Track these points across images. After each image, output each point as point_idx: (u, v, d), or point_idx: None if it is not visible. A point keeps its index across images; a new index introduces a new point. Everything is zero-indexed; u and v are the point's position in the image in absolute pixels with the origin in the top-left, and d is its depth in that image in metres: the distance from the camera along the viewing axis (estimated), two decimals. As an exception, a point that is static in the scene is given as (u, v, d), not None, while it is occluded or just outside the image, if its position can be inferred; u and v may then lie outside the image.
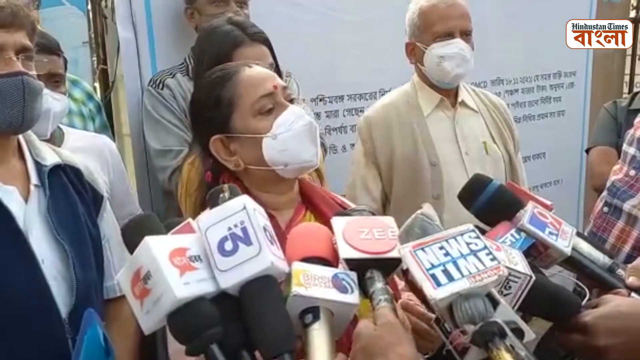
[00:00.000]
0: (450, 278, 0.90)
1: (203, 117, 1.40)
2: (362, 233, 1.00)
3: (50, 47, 1.92)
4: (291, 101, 1.38)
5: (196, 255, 0.92)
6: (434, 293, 0.89)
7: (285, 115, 1.33)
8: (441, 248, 0.94)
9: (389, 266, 0.99)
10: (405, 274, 0.97)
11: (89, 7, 2.95)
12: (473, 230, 0.97)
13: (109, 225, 1.63)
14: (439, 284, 0.90)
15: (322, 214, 1.38)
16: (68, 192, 1.51)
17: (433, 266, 0.92)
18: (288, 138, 1.31)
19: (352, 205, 1.50)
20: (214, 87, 1.37)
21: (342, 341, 0.98)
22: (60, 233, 1.43)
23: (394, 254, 0.97)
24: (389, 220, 1.05)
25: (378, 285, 0.95)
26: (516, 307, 1.01)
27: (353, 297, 0.94)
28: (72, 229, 1.47)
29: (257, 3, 2.45)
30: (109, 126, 2.77)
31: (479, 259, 0.93)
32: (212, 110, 1.36)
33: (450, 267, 0.92)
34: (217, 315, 0.88)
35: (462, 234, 0.96)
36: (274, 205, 1.36)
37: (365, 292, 0.97)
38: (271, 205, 1.34)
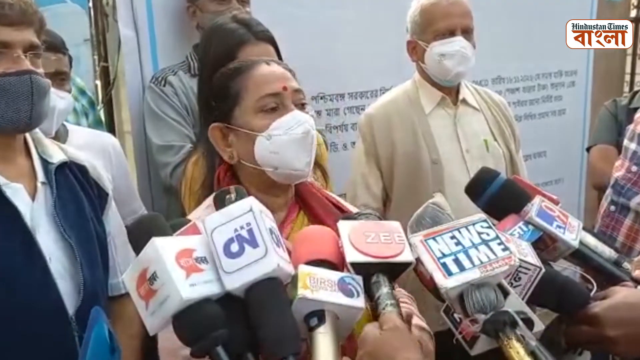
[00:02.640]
0: (462, 267, 0.91)
1: (210, 105, 1.41)
2: (368, 237, 1.00)
3: (55, 45, 1.91)
4: (302, 106, 1.36)
5: (202, 257, 0.92)
6: (444, 282, 0.90)
7: (285, 119, 1.31)
8: (452, 237, 0.95)
9: (395, 270, 0.99)
10: (415, 265, 0.97)
11: (90, 4, 2.95)
12: (485, 220, 0.97)
13: (114, 223, 1.63)
14: (450, 273, 0.90)
15: (316, 214, 1.38)
16: (74, 189, 1.51)
17: (444, 255, 0.93)
18: (282, 142, 1.30)
19: (348, 205, 1.50)
20: (227, 77, 1.37)
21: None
22: (67, 231, 1.43)
23: (400, 259, 0.97)
24: (396, 225, 1.05)
25: (384, 289, 0.95)
26: (525, 299, 1.01)
27: (359, 301, 0.94)
28: (79, 226, 1.47)
29: (258, 1, 2.44)
30: (103, 122, 2.76)
31: (491, 249, 0.93)
32: (219, 100, 1.37)
33: (462, 257, 0.92)
34: (222, 317, 0.88)
35: (473, 224, 0.96)
36: (269, 206, 1.36)
37: (371, 296, 0.97)
38: (266, 205, 1.35)
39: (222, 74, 1.40)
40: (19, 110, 1.35)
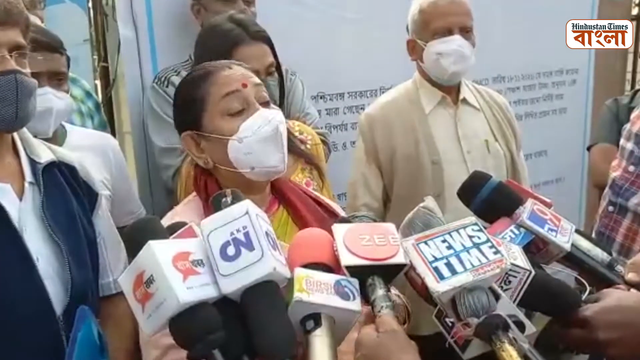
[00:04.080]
0: (454, 271, 0.91)
1: (179, 114, 1.44)
2: (363, 239, 1.00)
3: (53, 46, 1.90)
4: (266, 103, 1.38)
5: (199, 260, 0.92)
6: (436, 286, 0.90)
7: (252, 120, 1.33)
8: (444, 241, 0.95)
9: (390, 272, 0.99)
10: (407, 270, 0.97)
11: (90, 4, 2.95)
12: (476, 224, 0.97)
13: (104, 223, 1.62)
14: (442, 277, 0.91)
15: (296, 208, 1.40)
16: (63, 189, 1.50)
17: (436, 259, 0.93)
18: (253, 142, 1.32)
19: (328, 201, 1.52)
20: (190, 85, 1.40)
21: None
22: (55, 231, 1.42)
23: (395, 260, 0.98)
24: (390, 226, 1.05)
25: (379, 292, 0.96)
26: (516, 302, 1.02)
27: (355, 304, 0.95)
28: (67, 226, 1.46)
29: (258, 1, 2.44)
30: (107, 124, 2.77)
31: (482, 252, 0.93)
32: (186, 108, 1.40)
33: (454, 260, 0.92)
34: (219, 320, 0.88)
35: (464, 227, 0.97)
36: None
37: (367, 298, 0.97)
38: None
39: (184, 82, 1.44)
40: (5, 110, 1.35)
